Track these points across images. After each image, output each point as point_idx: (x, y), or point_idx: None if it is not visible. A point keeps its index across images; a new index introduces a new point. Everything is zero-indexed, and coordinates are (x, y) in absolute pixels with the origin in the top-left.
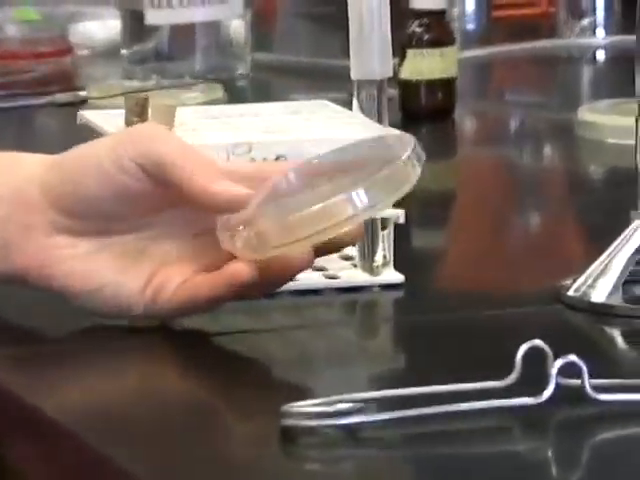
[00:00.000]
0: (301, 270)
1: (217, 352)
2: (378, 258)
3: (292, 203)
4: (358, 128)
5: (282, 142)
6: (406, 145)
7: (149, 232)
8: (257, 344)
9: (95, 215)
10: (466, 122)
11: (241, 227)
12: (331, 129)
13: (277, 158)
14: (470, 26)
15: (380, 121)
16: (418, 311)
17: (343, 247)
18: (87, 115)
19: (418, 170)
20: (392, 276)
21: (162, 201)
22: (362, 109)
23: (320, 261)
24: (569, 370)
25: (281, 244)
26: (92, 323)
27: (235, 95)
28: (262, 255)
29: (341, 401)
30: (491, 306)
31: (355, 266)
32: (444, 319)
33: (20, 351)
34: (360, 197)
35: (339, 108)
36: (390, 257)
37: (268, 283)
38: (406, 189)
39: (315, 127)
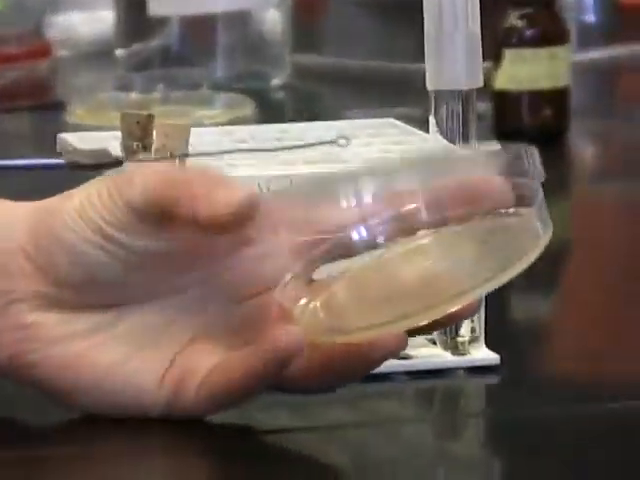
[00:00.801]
0: (388, 356)
1: (257, 454)
2: (464, 332)
3: (379, 268)
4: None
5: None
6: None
7: (173, 299)
8: (306, 445)
9: (96, 284)
10: (583, 148)
11: (304, 300)
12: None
13: None
14: (589, 18)
15: (466, 145)
16: (517, 403)
17: (445, 326)
18: (69, 139)
19: (549, 227)
20: (483, 356)
21: (182, 254)
22: (441, 130)
23: None
24: None
25: (358, 328)
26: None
27: (269, 112)
28: (332, 338)
29: None
30: (614, 397)
31: (434, 342)
32: (551, 415)
33: None
34: (469, 267)
35: (410, 129)
36: (480, 331)
37: (334, 373)
38: (531, 258)
39: (378, 155)
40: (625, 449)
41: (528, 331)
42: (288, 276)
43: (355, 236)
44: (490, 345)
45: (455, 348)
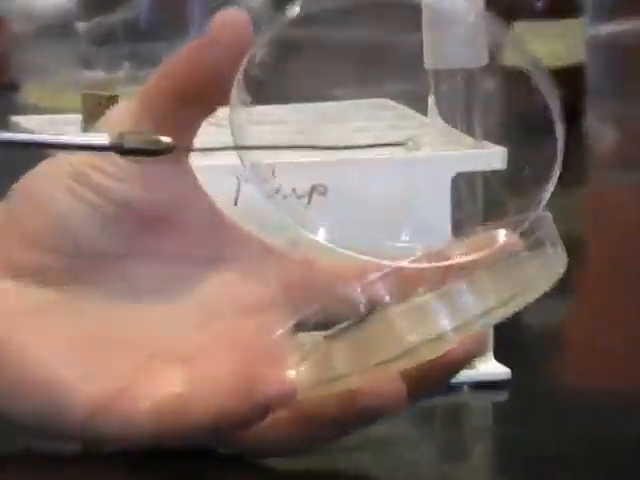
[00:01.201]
0: (389, 410)
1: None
2: None
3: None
4: (435, 141)
5: (321, 165)
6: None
7: (137, 306)
8: (302, 469)
9: (67, 239)
10: (601, 132)
11: (298, 354)
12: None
13: (313, 188)
14: None
15: (469, 131)
16: (529, 422)
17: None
18: (23, 123)
19: (563, 254)
20: (491, 370)
21: (157, 212)
22: (442, 111)
23: None
24: None
25: (354, 371)
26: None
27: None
28: (327, 389)
29: None
30: (633, 418)
31: None
32: (567, 436)
33: None
34: (461, 300)
35: (407, 111)
36: (489, 342)
37: (320, 429)
38: (542, 289)
39: (370, 141)
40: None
41: (542, 341)
42: (289, 323)
43: (358, 292)
44: (499, 357)
45: None
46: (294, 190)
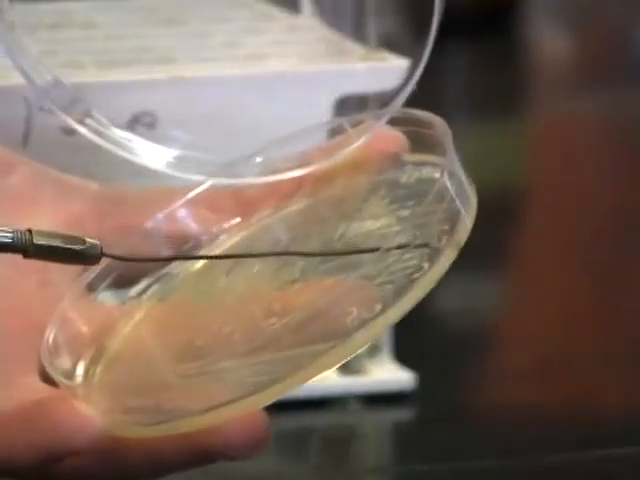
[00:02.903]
0: (246, 453)
1: None
2: None
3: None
4: (307, 51)
5: (147, 86)
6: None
7: None
8: None
9: None
10: (538, 33)
11: (83, 361)
12: (253, 57)
13: (135, 119)
14: None
15: (361, 34)
16: (439, 452)
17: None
18: None
19: (451, 254)
20: (389, 376)
21: None
22: (322, 9)
23: None
24: None
25: (195, 411)
26: None
27: None
28: (150, 431)
29: None
30: (572, 442)
31: None
32: (489, 468)
33: None
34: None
35: (272, 10)
36: (385, 337)
37: (136, 464)
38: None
39: (221, 51)
40: None
41: (459, 336)
42: (81, 281)
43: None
44: (401, 358)
45: (346, 365)
46: (111, 117)
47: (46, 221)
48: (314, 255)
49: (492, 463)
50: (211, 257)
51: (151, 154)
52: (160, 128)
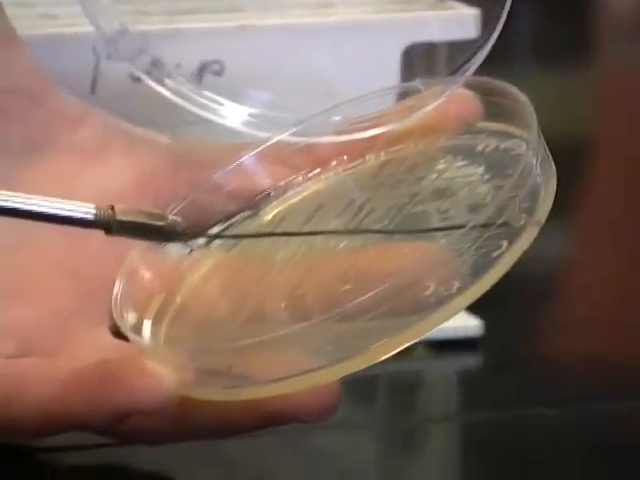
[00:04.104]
0: (314, 420)
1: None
2: None
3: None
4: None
5: (216, 34)
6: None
7: None
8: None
9: None
10: None
11: (150, 315)
12: (321, 6)
13: (204, 66)
14: None
15: None
16: (505, 399)
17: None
18: None
19: (532, 231)
20: (456, 322)
21: None
22: None
23: None
24: None
25: (272, 379)
26: None
27: None
28: (223, 395)
29: None
30: (624, 394)
31: None
32: (552, 416)
33: None
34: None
35: None
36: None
37: (198, 431)
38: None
39: None
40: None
41: (527, 284)
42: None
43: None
44: (469, 305)
45: None
46: (178, 65)
47: (117, 175)
48: (389, 233)
49: (557, 411)
50: (275, 235)
51: (224, 110)
52: (228, 76)
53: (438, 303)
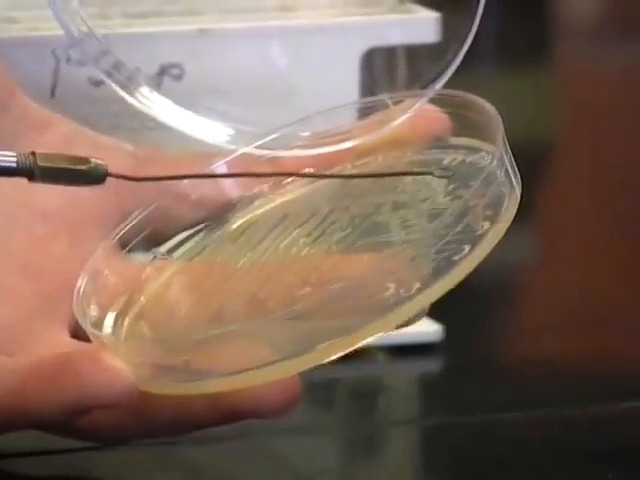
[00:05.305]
0: (275, 415)
1: None
2: None
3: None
4: (336, 2)
5: (175, 37)
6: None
7: None
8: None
9: None
10: None
11: (113, 310)
12: (282, 9)
13: (164, 69)
14: None
15: None
16: (466, 404)
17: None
18: None
19: (500, 228)
20: (417, 327)
21: None
22: None
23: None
24: None
25: (232, 371)
26: None
27: None
28: (185, 389)
29: None
30: (604, 395)
31: None
32: (512, 419)
33: None
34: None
35: None
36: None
37: (159, 426)
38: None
39: (249, 2)
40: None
41: (488, 288)
42: (110, 238)
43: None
44: (429, 310)
45: None
46: (138, 69)
47: None
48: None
49: (520, 415)
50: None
51: (188, 120)
52: (188, 81)
53: (397, 304)
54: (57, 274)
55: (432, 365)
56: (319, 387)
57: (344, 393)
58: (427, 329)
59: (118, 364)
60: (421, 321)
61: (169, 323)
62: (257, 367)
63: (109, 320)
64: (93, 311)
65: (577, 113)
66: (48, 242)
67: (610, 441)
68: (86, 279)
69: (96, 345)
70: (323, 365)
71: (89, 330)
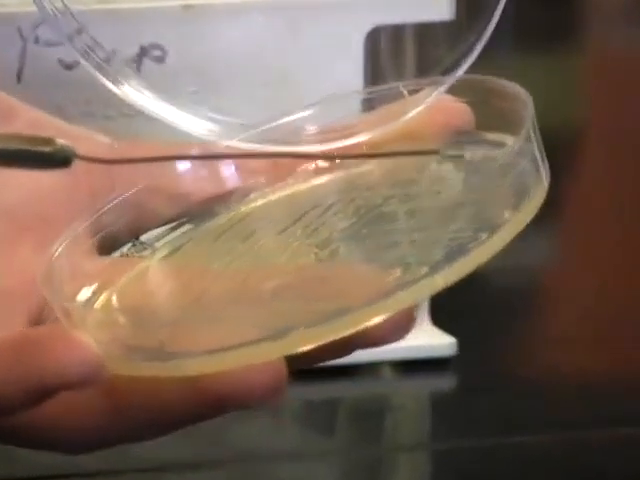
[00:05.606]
0: (252, 402)
1: None
2: None
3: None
4: None
5: (157, 16)
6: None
7: None
8: None
9: None
10: None
11: (88, 289)
12: None
13: (144, 51)
14: None
15: None
16: (481, 425)
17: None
18: None
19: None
20: (427, 340)
21: None
22: None
23: None
24: None
25: (207, 351)
26: None
27: None
28: (154, 369)
29: None
30: (623, 417)
31: None
32: (530, 443)
33: None
34: None
35: None
36: (423, 303)
37: (135, 421)
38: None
39: None
40: None
41: (503, 300)
42: (60, 242)
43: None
44: (440, 323)
45: None
46: (114, 51)
47: (50, 172)
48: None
49: (539, 438)
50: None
51: (170, 110)
52: (170, 64)
53: (399, 287)
54: (23, 275)
55: (444, 382)
56: (318, 406)
57: (346, 413)
58: (439, 342)
59: (85, 338)
60: (433, 333)
61: (144, 306)
62: (240, 345)
63: (81, 297)
64: (66, 291)
65: (603, 98)
66: (14, 245)
67: (630, 465)
68: (59, 261)
69: (61, 325)
70: (323, 382)
71: (57, 303)
